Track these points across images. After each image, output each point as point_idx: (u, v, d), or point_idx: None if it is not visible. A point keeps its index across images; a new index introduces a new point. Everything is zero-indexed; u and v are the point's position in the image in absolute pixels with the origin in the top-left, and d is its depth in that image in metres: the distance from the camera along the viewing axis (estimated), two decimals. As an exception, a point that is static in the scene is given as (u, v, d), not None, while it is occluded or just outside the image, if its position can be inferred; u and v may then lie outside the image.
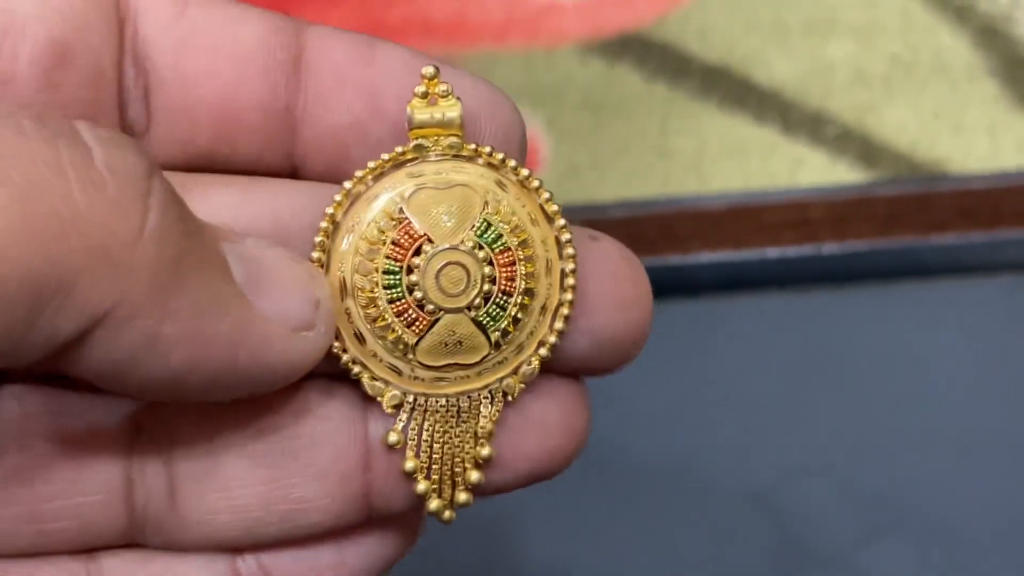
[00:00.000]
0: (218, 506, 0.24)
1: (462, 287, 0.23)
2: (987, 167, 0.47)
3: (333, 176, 0.24)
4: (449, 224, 0.23)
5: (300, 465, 0.24)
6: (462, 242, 0.23)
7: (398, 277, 0.23)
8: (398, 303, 0.23)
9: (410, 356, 0.23)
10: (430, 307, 0.23)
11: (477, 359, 0.23)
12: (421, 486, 0.24)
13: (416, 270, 0.23)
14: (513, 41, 0.49)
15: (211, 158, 0.24)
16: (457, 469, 0.24)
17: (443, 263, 0.23)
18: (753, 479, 0.44)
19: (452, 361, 0.23)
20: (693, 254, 0.45)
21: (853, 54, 0.49)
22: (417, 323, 0.23)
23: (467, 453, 0.24)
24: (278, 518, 0.24)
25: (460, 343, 0.23)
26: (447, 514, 0.24)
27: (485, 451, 0.24)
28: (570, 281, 0.23)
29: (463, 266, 0.23)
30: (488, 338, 0.23)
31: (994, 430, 0.44)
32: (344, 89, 0.23)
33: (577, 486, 0.43)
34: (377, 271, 0.23)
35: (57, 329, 0.19)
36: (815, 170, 0.47)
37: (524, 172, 0.24)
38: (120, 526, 0.24)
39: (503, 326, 0.23)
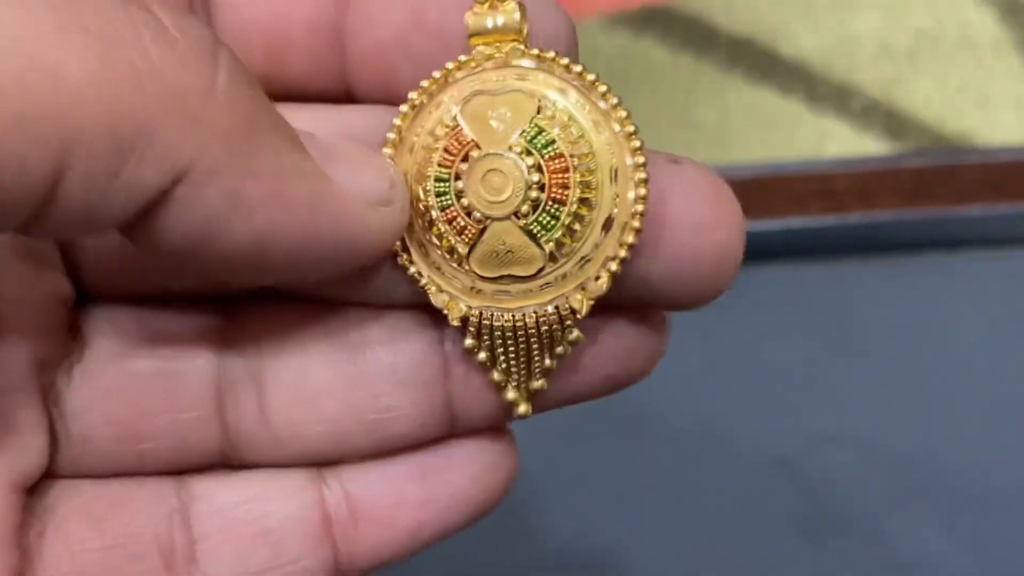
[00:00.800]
0: (307, 418, 0.24)
1: (506, 194, 0.22)
2: (1013, 140, 0.47)
3: (382, 94, 0.23)
4: (499, 129, 0.22)
5: (384, 373, 0.24)
6: (510, 148, 0.22)
7: (448, 184, 0.22)
8: (448, 210, 0.22)
9: (466, 267, 0.23)
10: (477, 215, 0.22)
11: (532, 271, 0.23)
12: (496, 375, 0.23)
13: (463, 176, 0.22)
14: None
15: (265, 81, 0.24)
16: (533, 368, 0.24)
17: (487, 169, 0.22)
18: (779, 446, 0.44)
19: (506, 272, 0.23)
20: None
21: (879, 28, 0.49)
22: (467, 231, 0.22)
23: (537, 364, 0.23)
24: (365, 429, 0.24)
25: (511, 253, 0.22)
26: (523, 408, 0.24)
27: (547, 362, 0.23)
28: (641, 191, 0.22)
29: (505, 172, 0.22)
30: (541, 248, 0.22)
31: (1019, 399, 0.44)
32: (387, 3, 0.23)
33: (603, 449, 0.43)
34: (430, 179, 0.23)
35: (141, 180, 0.19)
36: (841, 142, 0.47)
37: (590, 77, 0.22)
38: (214, 444, 0.24)
39: (556, 236, 0.22)
